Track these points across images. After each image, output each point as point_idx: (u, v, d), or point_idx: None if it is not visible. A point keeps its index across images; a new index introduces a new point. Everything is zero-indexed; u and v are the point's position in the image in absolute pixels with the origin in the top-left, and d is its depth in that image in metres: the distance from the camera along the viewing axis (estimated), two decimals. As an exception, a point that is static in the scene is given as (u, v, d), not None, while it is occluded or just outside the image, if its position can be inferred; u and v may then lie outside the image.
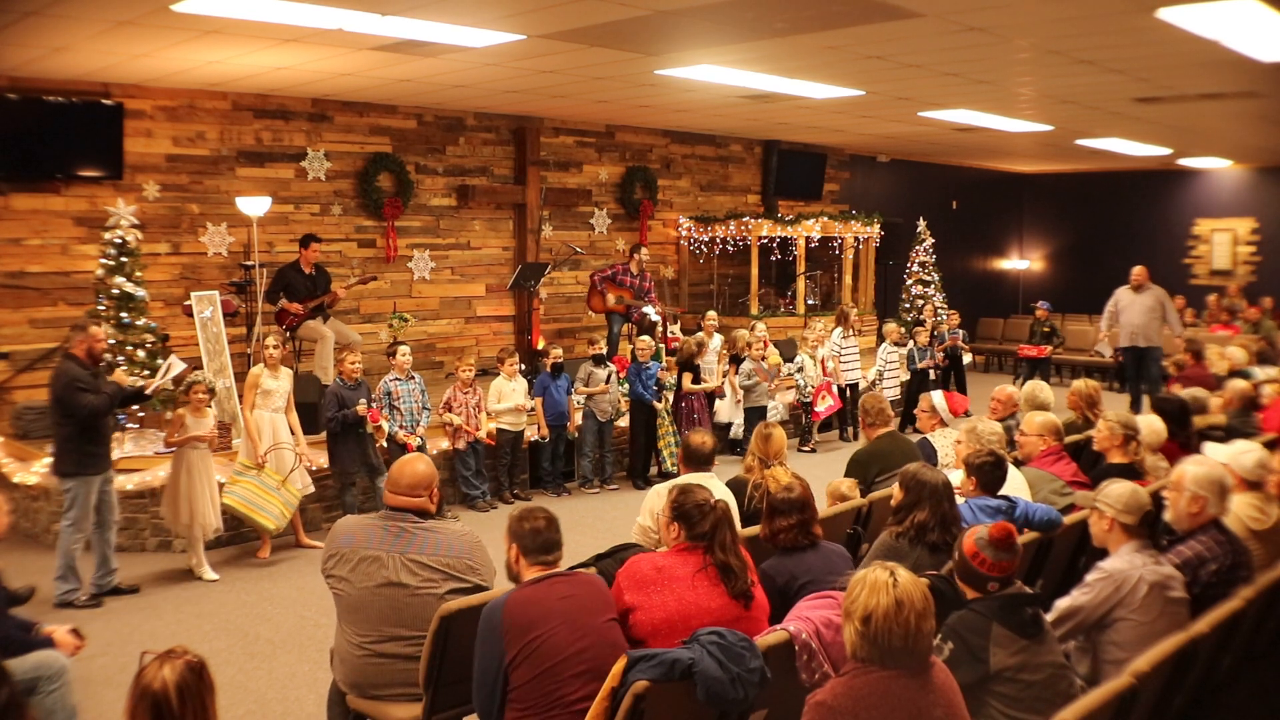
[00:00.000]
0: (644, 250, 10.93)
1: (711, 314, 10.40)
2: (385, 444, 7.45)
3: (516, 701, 2.96)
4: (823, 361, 10.47)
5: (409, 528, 3.56)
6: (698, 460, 4.86)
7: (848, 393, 10.75)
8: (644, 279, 10.76)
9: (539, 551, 3.15)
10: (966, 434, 5.17)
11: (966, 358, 12.62)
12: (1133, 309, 11.22)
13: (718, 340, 10.01)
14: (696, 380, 9.27)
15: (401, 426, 7.51)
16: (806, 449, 10.40)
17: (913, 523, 3.83)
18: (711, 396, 9.69)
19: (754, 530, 4.33)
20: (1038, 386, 6.57)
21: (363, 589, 3.48)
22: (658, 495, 4.62)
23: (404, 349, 7.76)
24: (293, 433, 7.02)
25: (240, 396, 7.92)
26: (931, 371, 11.27)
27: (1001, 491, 4.57)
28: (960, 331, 12.28)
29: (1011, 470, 4.98)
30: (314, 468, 7.27)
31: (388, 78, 8.45)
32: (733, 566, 3.37)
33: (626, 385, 8.95)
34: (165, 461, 6.73)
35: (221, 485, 6.61)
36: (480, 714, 3.06)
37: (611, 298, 10.67)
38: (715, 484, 4.69)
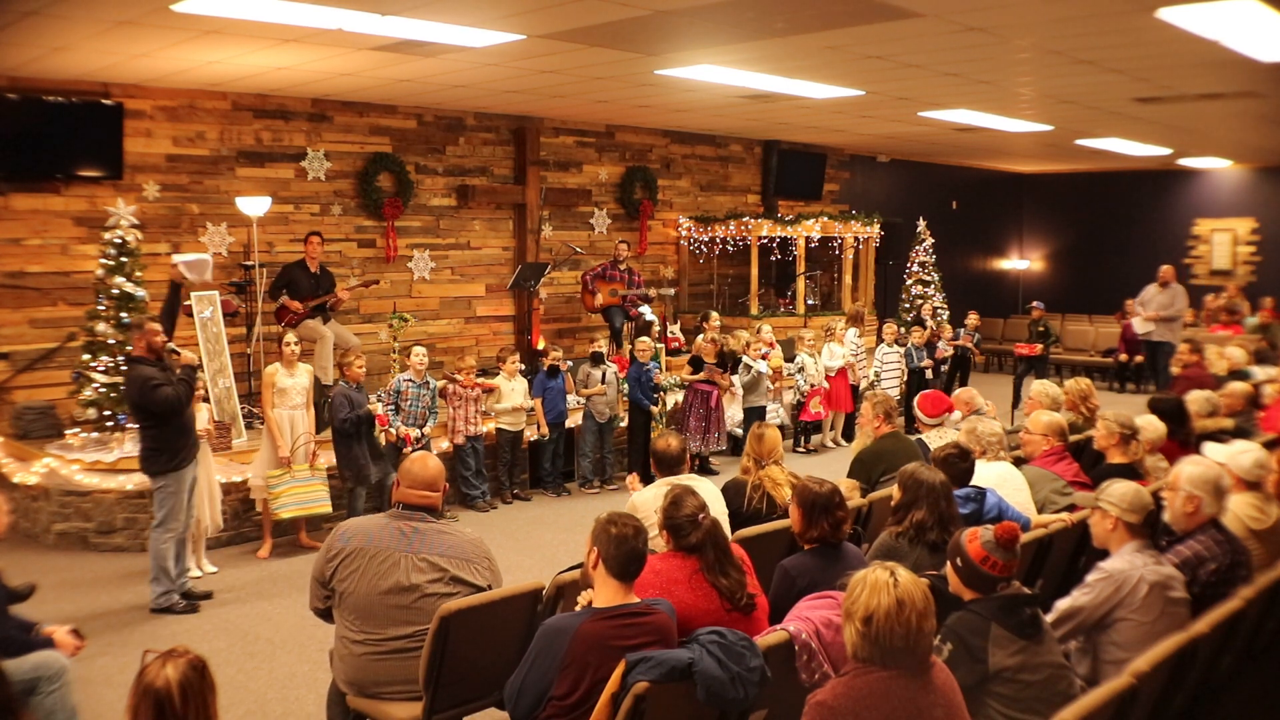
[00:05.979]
0: (622, 245, 11.13)
1: (714, 315, 10.55)
2: (388, 445, 7.47)
3: (555, 715, 2.92)
4: (837, 363, 10.49)
5: (421, 527, 3.53)
6: (668, 465, 4.70)
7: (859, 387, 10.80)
8: (632, 273, 10.82)
9: (621, 563, 3.00)
10: (966, 434, 5.16)
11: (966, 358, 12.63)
12: (1153, 305, 12.91)
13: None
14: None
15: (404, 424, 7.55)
16: (802, 450, 10.40)
17: (912, 522, 3.83)
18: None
19: (762, 528, 4.33)
20: (1047, 385, 6.61)
21: (371, 592, 3.45)
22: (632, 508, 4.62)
23: (419, 350, 7.77)
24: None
25: (240, 397, 7.93)
26: (931, 370, 11.30)
27: (1000, 490, 4.58)
28: (976, 334, 12.32)
29: (1011, 469, 4.98)
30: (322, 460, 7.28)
31: (388, 78, 8.44)
32: (721, 588, 3.33)
33: (628, 386, 8.94)
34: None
35: (266, 497, 6.88)
36: (513, 713, 3.02)
37: (605, 292, 10.76)
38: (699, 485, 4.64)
